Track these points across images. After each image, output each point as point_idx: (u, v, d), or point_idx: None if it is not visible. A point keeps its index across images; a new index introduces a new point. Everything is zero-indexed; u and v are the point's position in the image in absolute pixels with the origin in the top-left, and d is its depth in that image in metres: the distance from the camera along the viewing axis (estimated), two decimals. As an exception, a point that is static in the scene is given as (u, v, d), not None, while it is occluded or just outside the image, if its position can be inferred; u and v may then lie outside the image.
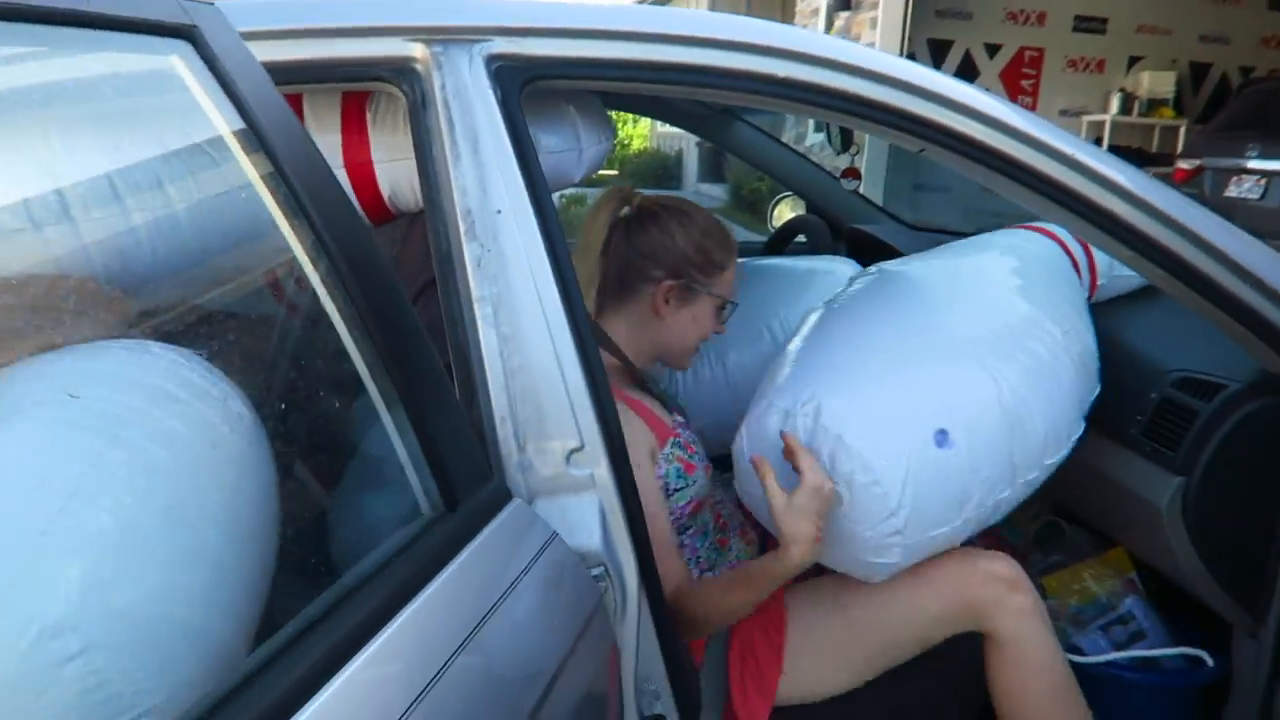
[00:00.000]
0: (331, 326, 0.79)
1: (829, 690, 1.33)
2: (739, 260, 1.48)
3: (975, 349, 1.26)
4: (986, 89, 1.23)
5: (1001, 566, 1.28)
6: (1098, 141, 7.77)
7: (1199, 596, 1.46)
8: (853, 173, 2.28)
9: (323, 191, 0.79)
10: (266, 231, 0.79)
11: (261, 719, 0.55)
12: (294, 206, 0.76)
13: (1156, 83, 7.87)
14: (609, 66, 1.10)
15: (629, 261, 1.36)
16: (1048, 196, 1.20)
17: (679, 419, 1.41)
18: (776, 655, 1.30)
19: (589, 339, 1.03)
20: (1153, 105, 7.90)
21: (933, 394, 1.21)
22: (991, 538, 1.86)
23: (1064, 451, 1.31)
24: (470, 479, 0.87)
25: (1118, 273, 1.69)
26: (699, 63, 1.09)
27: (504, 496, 0.91)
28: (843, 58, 1.11)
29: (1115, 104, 7.82)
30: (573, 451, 1.01)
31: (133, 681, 0.54)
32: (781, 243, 2.44)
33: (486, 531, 0.84)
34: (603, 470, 1.02)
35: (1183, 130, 7.76)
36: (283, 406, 0.81)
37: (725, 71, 1.10)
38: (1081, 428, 1.35)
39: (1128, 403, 1.48)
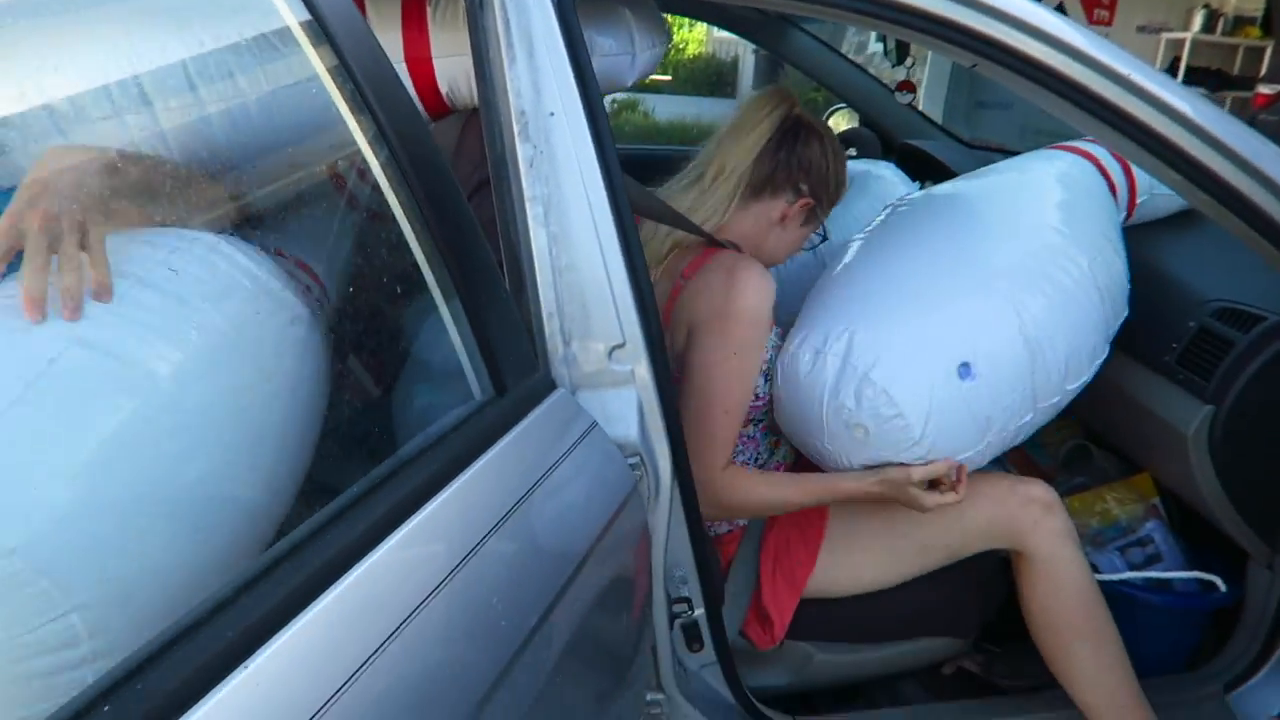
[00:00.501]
0: (393, 219, 0.84)
1: (855, 589, 1.40)
2: None
3: (1001, 280, 1.28)
4: (1061, 3, 1.21)
5: (1039, 490, 1.35)
6: (1175, 60, 7.41)
7: (1218, 525, 1.49)
8: (907, 86, 2.23)
9: (386, 87, 0.83)
10: (333, 125, 0.83)
11: (330, 561, 0.63)
12: (359, 101, 0.81)
13: None
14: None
15: (785, 168, 1.36)
16: (1097, 116, 1.19)
17: None
18: (811, 552, 1.37)
19: (634, 240, 1.06)
20: (1238, 23, 7.46)
21: (957, 327, 1.24)
22: (1019, 457, 1.90)
23: (1085, 377, 1.34)
24: (519, 368, 0.93)
25: (1158, 191, 1.66)
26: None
27: (549, 386, 0.97)
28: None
29: (1198, 20, 7.40)
30: (615, 348, 1.06)
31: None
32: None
33: (531, 416, 0.90)
34: (642, 366, 1.07)
35: (1268, 52, 7.35)
36: (350, 291, 0.87)
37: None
38: (1106, 352, 1.37)
39: (1164, 329, 1.48)
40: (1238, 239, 1.27)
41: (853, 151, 2.37)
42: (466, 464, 0.79)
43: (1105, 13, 7.53)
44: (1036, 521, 1.34)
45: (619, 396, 1.06)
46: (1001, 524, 1.35)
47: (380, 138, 0.80)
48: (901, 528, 1.37)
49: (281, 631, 0.57)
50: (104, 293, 0.67)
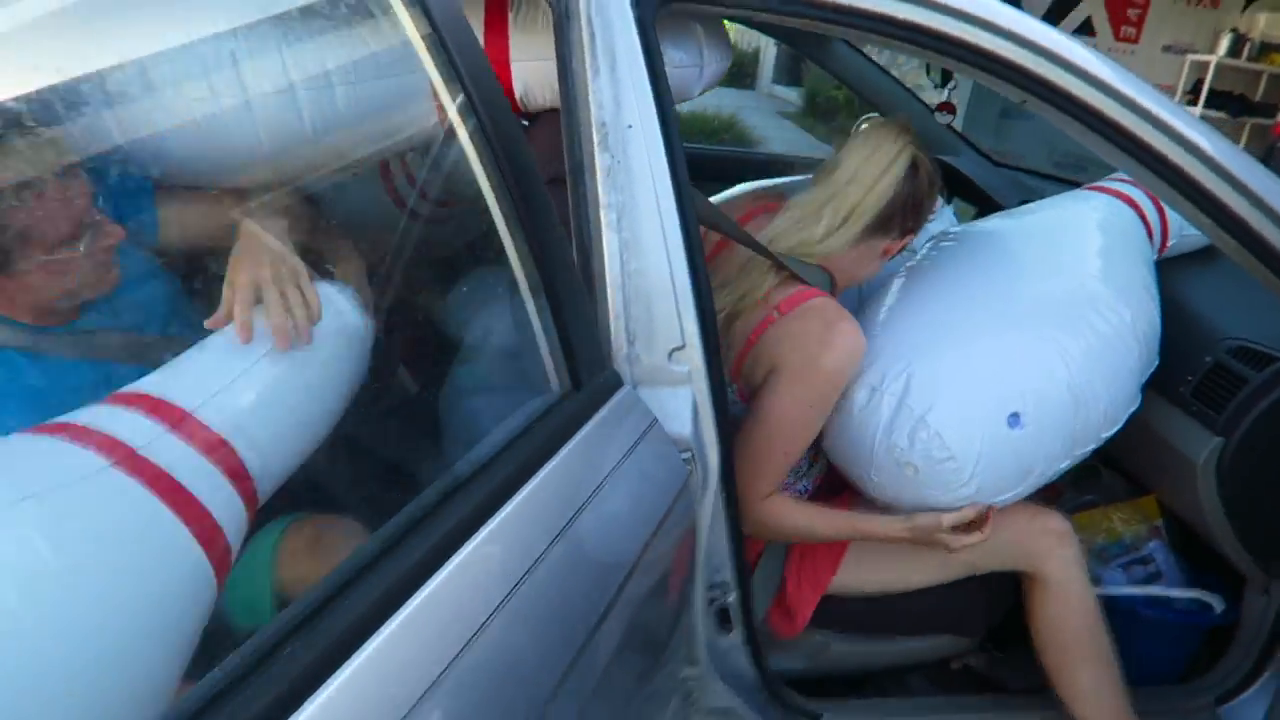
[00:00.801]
0: (491, 220, 0.91)
1: (873, 590, 1.48)
2: None
3: (1048, 330, 1.34)
4: (1088, 18, 1.26)
5: (1055, 522, 1.45)
6: (1199, 83, 7.43)
7: (1219, 550, 1.57)
8: (947, 107, 2.29)
9: (490, 90, 0.90)
10: (443, 123, 0.90)
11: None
12: (468, 106, 0.87)
13: (1273, 25, 7.43)
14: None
15: (903, 209, 1.36)
16: (1137, 159, 1.26)
17: None
18: (836, 558, 1.45)
19: (699, 249, 1.13)
20: (1265, 50, 7.48)
21: (1009, 375, 1.31)
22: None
23: (1119, 425, 1.41)
24: (592, 365, 1.01)
25: (1187, 233, 1.73)
26: (831, 0, 1.16)
27: (616, 382, 1.04)
28: (965, 6, 1.16)
29: (1225, 44, 7.42)
30: (675, 349, 1.13)
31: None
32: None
33: (604, 410, 0.97)
34: (699, 368, 1.14)
35: (1293, 79, 7.39)
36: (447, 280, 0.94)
37: (852, 10, 1.16)
38: (1138, 402, 1.44)
39: (1181, 363, 1.56)
40: (1257, 280, 1.35)
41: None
42: (551, 453, 0.86)
43: (1132, 30, 7.54)
44: (1051, 549, 1.43)
45: (675, 395, 1.14)
46: (1019, 549, 1.44)
47: (484, 138, 0.87)
48: (922, 549, 1.44)
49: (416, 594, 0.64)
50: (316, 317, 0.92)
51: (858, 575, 1.48)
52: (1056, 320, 1.36)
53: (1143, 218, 1.64)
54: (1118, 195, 1.66)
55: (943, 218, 1.93)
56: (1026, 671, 1.62)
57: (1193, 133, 1.23)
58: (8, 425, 1.07)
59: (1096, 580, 1.65)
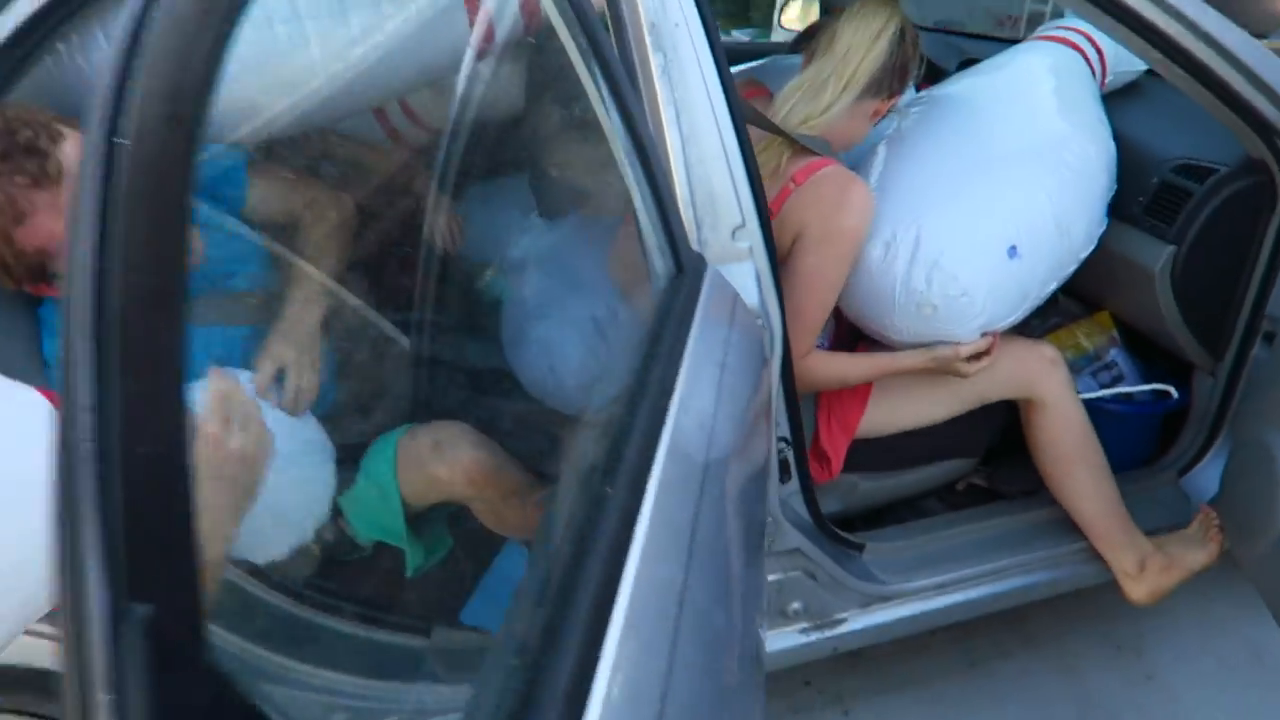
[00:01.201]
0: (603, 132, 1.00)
1: (896, 429, 1.67)
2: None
3: (1027, 170, 1.52)
4: None
5: (1049, 350, 1.66)
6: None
7: (1171, 344, 1.82)
8: None
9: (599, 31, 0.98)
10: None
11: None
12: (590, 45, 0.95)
13: None
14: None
15: (891, 72, 1.49)
16: (1099, 8, 1.42)
17: None
18: (861, 402, 1.62)
19: (745, 134, 1.24)
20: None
21: (1002, 215, 1.48)
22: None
23: (1094, 246, 1.61)
24: (684, 249, 1.11)
25: (1120, 69, 1.93)
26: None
27: (703, 264, 1.16)
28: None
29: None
30: (736, 228, 1.25)
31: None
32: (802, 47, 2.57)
33: (705, 290, 1.09)
34: (758, 242, 1.27)
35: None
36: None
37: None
38: (1105, 223, 1.64)
39: (1131, 185, 1.76)
40: (1188, 104, 1.55)
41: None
42: (685, 336, 0.97)
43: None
44: (1047, 374, 1.64)
45: (741, 269, 1.26)
46: (1020, 376, 1.64)
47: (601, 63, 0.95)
48: (938, 381, 1.63)
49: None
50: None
51: (881, 417, 1.66)
52: (1035, 162, 1.53)
53: (1085, 59, 1.81)
54: (1062, 41, 1.83)
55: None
56: (1021, 479, 1.86)
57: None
58: None
59: (1072, 389, 1.89)
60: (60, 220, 1.05)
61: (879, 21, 1.47)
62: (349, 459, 1.36)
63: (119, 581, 0.26)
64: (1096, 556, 1.72)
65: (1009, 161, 1.54)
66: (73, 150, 1.05)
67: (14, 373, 1.17)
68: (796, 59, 2.27)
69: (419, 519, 1.39)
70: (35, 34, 1.05)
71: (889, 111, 1.59)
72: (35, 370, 1.20)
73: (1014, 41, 2.05)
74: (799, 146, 1.48)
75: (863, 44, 1.47)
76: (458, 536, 1.54)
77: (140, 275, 0.30)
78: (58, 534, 0.27)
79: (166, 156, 0.32)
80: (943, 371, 1.56)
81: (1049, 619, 2.03)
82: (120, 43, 0.33)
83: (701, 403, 0.89)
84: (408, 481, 1.31)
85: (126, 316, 0.29)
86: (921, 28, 2.58)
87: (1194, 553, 1.70)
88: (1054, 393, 1.64)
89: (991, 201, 1.49)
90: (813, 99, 1.48)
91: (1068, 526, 1.73)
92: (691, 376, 0.89)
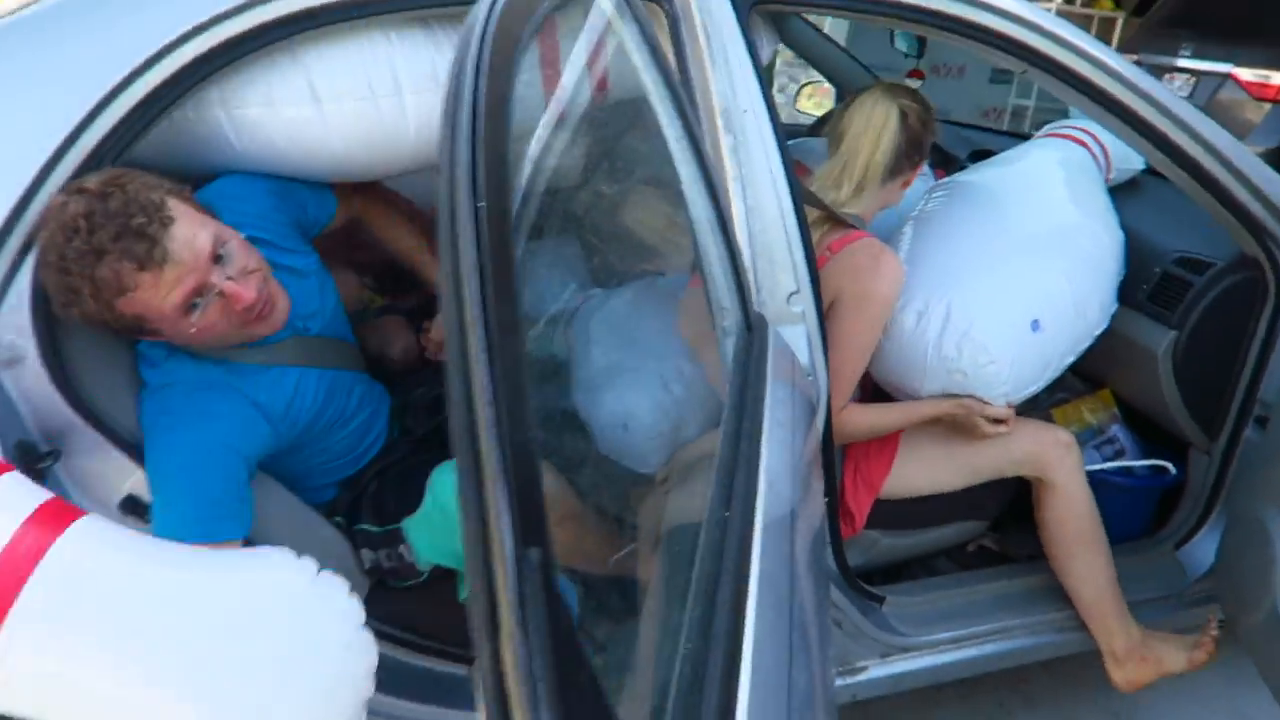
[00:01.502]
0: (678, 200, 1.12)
1: (916, 493, 1.77)
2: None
3: (1047, 253, 1.67)
4: None
5: (1065, 436, 1.75)
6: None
7: (1169, 423, 1.95)
8: (918, 74, 2.58)
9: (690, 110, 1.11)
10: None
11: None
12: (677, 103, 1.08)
13: (1100, -26, 8.19)
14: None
15: (906, 153, 1.64)
16: (1108, 111, 1.58)
17: None
18: (887, 463, 1.72)
19: (801, 207, 1.37)
20: (1094, -5, 8.24)
21: (1027, 294, 1.63)
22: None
23: (1105, 324, 1.76)
24: (747, 309, 1.23)
25: (1122, 166, 2.10)
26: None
27: (764, 323, 1.27)
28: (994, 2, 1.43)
29: (1061, -6, 8.15)
30: (791, 294, 1.37)
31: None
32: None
33: (770, 348, 1.20)
34: (810, 307, 1.39)
35: (1119, 23, 8.16)
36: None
37: (900, 4, 1.41)
38: (1116, 305, 1.78)
39: (1136, 274, 1.91)
40: (1186, 202, 1.71)
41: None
42: (763, 389, 1.08)
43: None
44: (1061, 458, 1.72)
45: (793, 332, 1.38)
46: (1036, 456, 1.74)
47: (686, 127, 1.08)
48: (958, 453, 1.75)
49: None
50: None
51: (904, 480, 1.76)
52: (1054, 245, 1.68)
53: (1092, 155, 1.98)
54: (1070, 139, 1.99)
55: (923, 173, 2.22)
56: (1030, 544, 1.97)
57: (1149, 87, 1.56)
58: (262, 432, 1.25)
59: (1076, 462, 2.01)
60: (158, 295, 1.14)
61: (879, 117, 1.61)
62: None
63: (518, 533, 0.36)
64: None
65: (1030, 244, 1.68)
66: (181, 233, 1.13)
67: (117, 393, 1.27)
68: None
69: None
70: (176, 90, 1.17)
71: (917, 175, 1.74)
72: (133, 392, 1.29)
73: (1011, 135, 2.22)
74: (836, 220, 1.61)
75: (869, 143, 1.62)
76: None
77: (501, 306, 0.40)
78: (469, 499, 0.36)
79: (501, 211, 0.43)
80: (965, 423, 1.67)
81: (1049, 681, 2.12)
82: (461, 129, 0.44)
83: (780, 456, 1.00)
84: None
85: (499, 339, 0.39)
86: (942, 120, 2.78)
87: (1175, 655, 1.78)
88: (1065, 477, 1.74)
89: (1016, 279, 1.63)
90: (837, 190, 1.63)
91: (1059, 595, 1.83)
92: (771, 432, 1.00)
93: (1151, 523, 2.06)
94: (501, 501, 0.36)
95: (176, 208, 1.15)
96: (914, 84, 2.61)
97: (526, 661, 0.34)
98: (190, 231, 1.15)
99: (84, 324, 1.15)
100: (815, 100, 2.98)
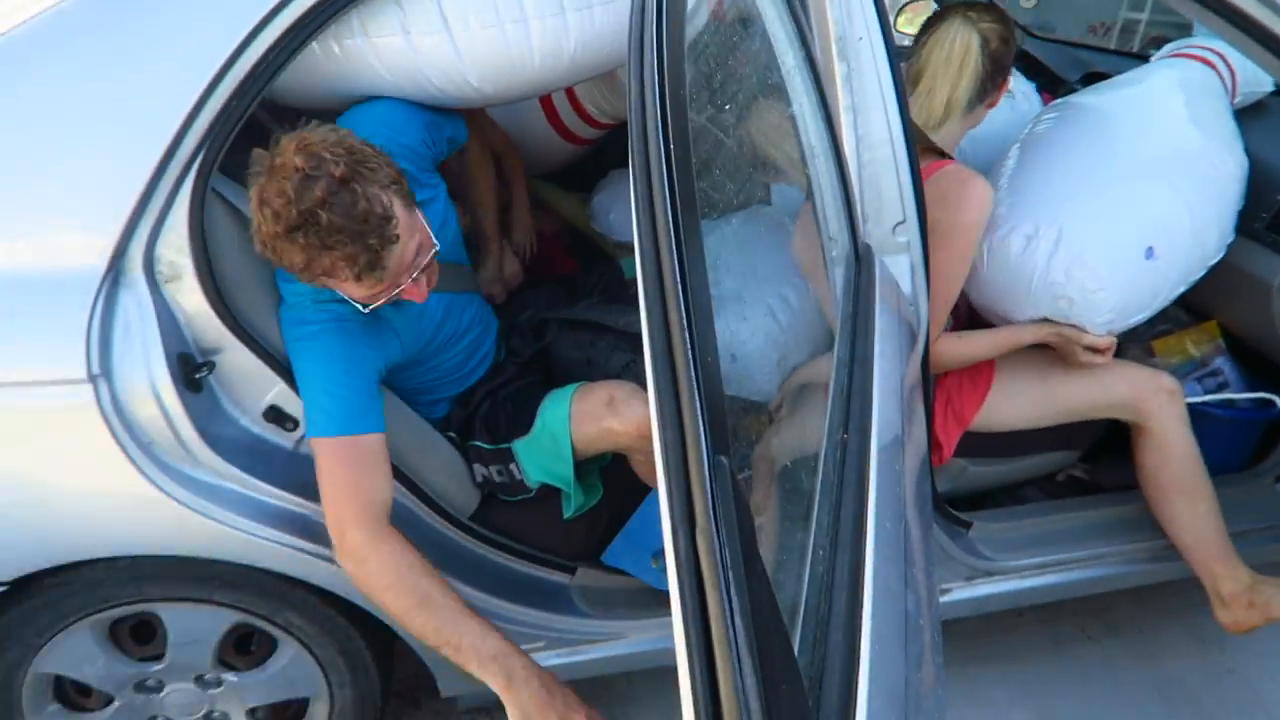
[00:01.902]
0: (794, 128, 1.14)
1: (1006, 428, 1.78)
2: None
3: (1168, 178, 1.61)
4: None
5: (1169, 382, 1.71)
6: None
7: (1275, 359, 1.90)
8: None
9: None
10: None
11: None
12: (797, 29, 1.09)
13: None
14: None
15: (989, 78, 1.60)
16: (1237, 27, 1.51)
17: None
18: (979, 398, 1.74)
19: (911, 139, 1.37)
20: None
21: (1143, 219, 1.59)
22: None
23: (1221, 254, 1.70)
24: (858, 238, 1.25)
25: (1248, 89, 2.00)
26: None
27: (871, 255, 1.30)
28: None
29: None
30: (898, 224, 1.38)
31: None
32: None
33: (877, 278, 1.23)
34: (915, 237, 1.40)
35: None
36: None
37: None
38: (1234, 236, 1.73)
39: (1255, 202, 1.84)
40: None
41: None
42: (871, 315, 1.11)
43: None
44: (1162, 405, 1.69)
45: (897, 261, 1.40)
46: (1136, 401, 1.70)
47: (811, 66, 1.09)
48: (1055, 391, 1.73)
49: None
50: None
51: (994, 415, 1.77)
52: (1175, 170, 1.63)
53: (1219, 75, 1.89)
54: (1194, 58, 1.91)
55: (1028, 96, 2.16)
56: (1122, 474, 1.97)
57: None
58: (390, 343, 1.34)
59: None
60: (356, 289, 1.23)
61: (959, 49, 1.57)
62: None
63: (709, 443, 0.41)
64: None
65: (1148, 168, 1.64)
66: (398, 250, 1.20)
67: (262, 310, 1.36)
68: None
69: (579, 466, 1.56)
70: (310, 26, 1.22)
71: (1001, 96, 1.70)
72: (276, 309, 1.38)
73: (1128, 54, 2.13)
74: (923, 147, 1.60)
75: (950, 77, 1.58)
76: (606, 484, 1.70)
77: (690, 239, 0.45)
78: (667, 412, 0.42)
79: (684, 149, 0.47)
80: (1062, 349, 1.66)
81: (1132, 608, 2.14)
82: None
83: (890, 383, 1.04)
84: (581, 432, 1.47)
85: (690, 270, 0.44)
86: (1041, 38, 2.67)
87: None
88: (1166, 425, 1.70)
89: (1132, 204, 1.60)
90: (922, 121, 1.61)
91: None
92: (882, 360, 1.04)
93: (1253, 456, 2.04)
94: (698, 415, 0.42)
95: (400, 216, 1.20)
96: (1029, 1, 2.50)
97: (718, 551, 0.40)
98: (405, 246, 1.21)
99: (256, 248, 1.22)
100: (915, 19, 2.89)
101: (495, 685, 1.18)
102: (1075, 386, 1.72)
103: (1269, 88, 2.03)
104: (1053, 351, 1.71)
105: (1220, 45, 1.91)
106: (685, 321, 0.43)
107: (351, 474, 1.24)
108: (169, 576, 1.37)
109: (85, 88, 1.16)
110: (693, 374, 0.42)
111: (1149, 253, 1.57)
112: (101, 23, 1.17)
